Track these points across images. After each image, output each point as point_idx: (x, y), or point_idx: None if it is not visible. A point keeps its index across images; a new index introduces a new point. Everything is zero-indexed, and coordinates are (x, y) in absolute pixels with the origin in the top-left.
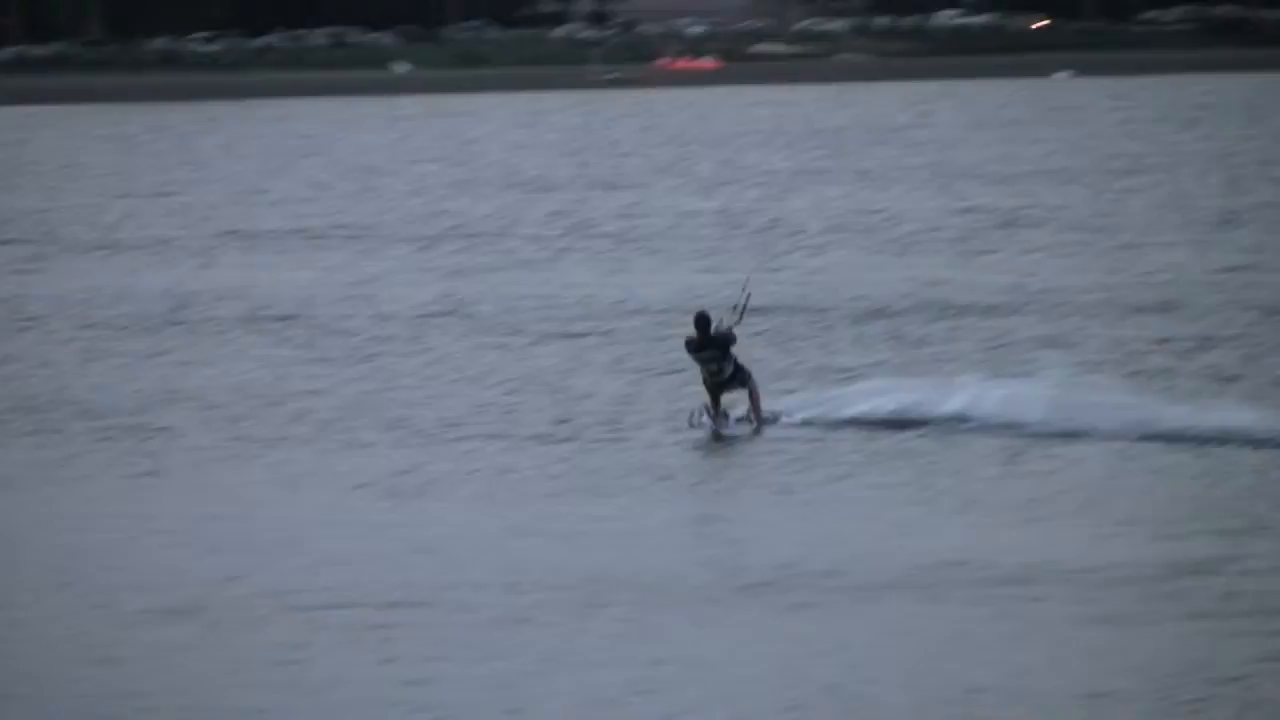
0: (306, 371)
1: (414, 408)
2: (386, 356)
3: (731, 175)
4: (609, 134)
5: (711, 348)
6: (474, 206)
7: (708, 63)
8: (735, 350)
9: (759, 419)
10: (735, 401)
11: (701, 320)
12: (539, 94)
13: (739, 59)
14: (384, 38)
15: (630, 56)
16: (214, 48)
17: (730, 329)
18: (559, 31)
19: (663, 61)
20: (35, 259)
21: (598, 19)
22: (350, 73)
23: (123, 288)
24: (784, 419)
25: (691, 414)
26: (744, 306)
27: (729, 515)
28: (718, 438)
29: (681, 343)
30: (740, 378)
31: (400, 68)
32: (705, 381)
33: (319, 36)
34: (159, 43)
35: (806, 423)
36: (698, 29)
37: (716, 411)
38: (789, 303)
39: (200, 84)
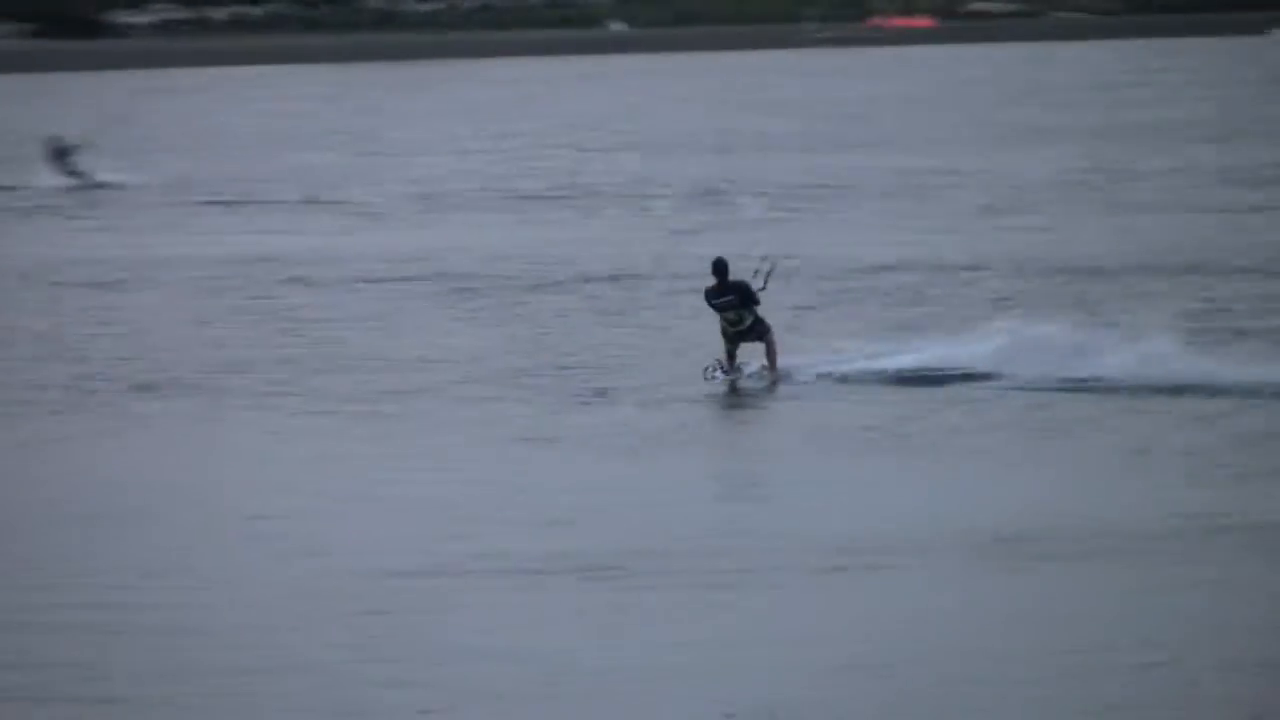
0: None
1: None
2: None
3: (953, 134)
4: (832, 93)
5: (730, 294)
6: (686, 167)
7: (923, 20)
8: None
9: (774, 373)
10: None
11: (720, 266)
12: (753, 52)
13: (954, 16)
14: None
15: (844, 14)
16: (430, 7)
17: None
18: None
19: (877, 19)
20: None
21: None
22: (567, 31)
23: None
24: (798, 375)
25: (706, 368)
26: (768, 274)
27: (942, 473)
28: (734, 389)
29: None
30: (759, 330)
31: (616, 26)
32: (724, 331)
33: None
34: (375, 2)
35: (821, 377)
36: None
37: (732, 365)
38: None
39: (416, 44)
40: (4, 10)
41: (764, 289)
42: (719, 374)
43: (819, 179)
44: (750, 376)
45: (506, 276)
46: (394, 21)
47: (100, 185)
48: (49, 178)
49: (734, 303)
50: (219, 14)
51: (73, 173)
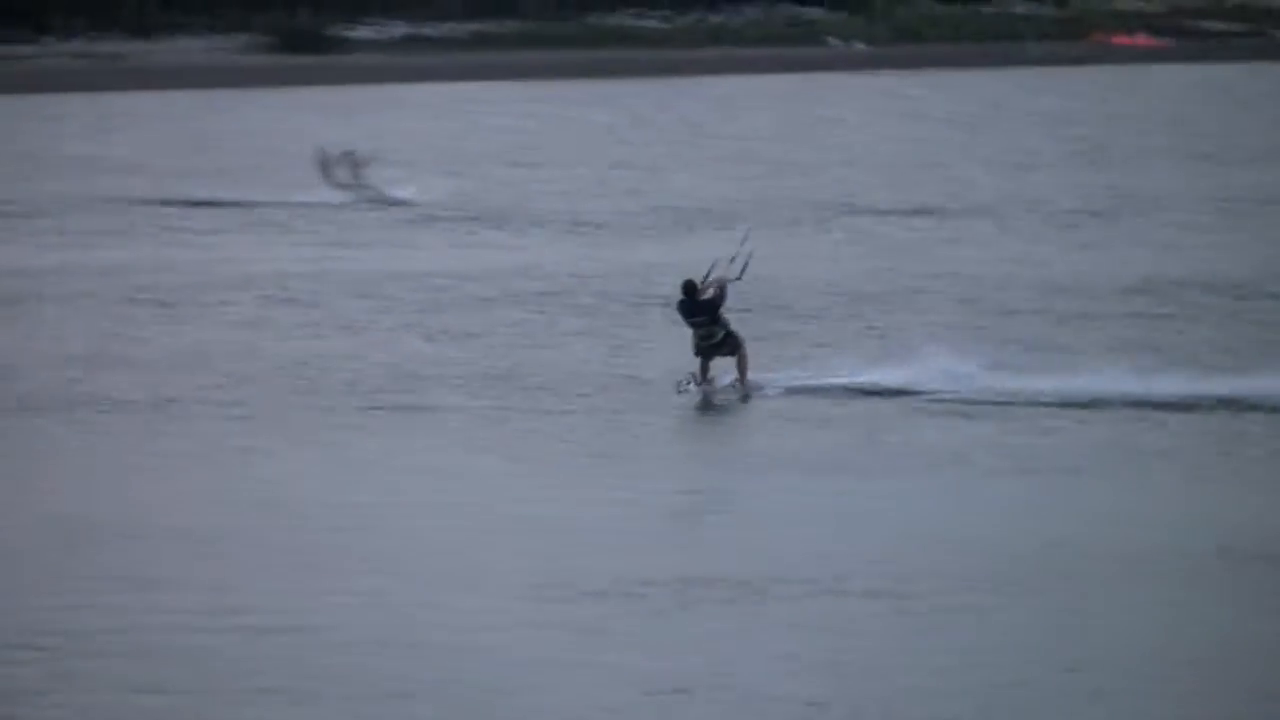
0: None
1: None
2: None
3: (1196, 152)
4: (1056, 109)
5: (700, 314)
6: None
7: (1149, 39)
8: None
9: (744, 386)
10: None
11: (688, 288)
12: (975, 70)
13: (1181, 35)
14: (822, 13)
15: (1067, 33)
16: (665, 25)
17: (724, 282)
18: (994, 7)
19: (1100, 37)
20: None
21: None
22: (789, 48)
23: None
24: (768, 389)
25: (679, 381)
26: (745, 262)
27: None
28: (708, 404)
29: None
30: (731, 344)
31: (838, 43)
32: (695, 345)
33: (760, 11)
34: (613, 19)
35: (791, 391)
36: (1135, 3)
37: (704, 377)
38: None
39: (652, 60)
40: (240, 26)
41: (740, 279)
42: (691, 386)
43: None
44: (723, 389)
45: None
46: (632, 38)
47: (388, 200)
48: (334, 192)
49: (704, 322)
50: (442, 30)
51: (356, 186)
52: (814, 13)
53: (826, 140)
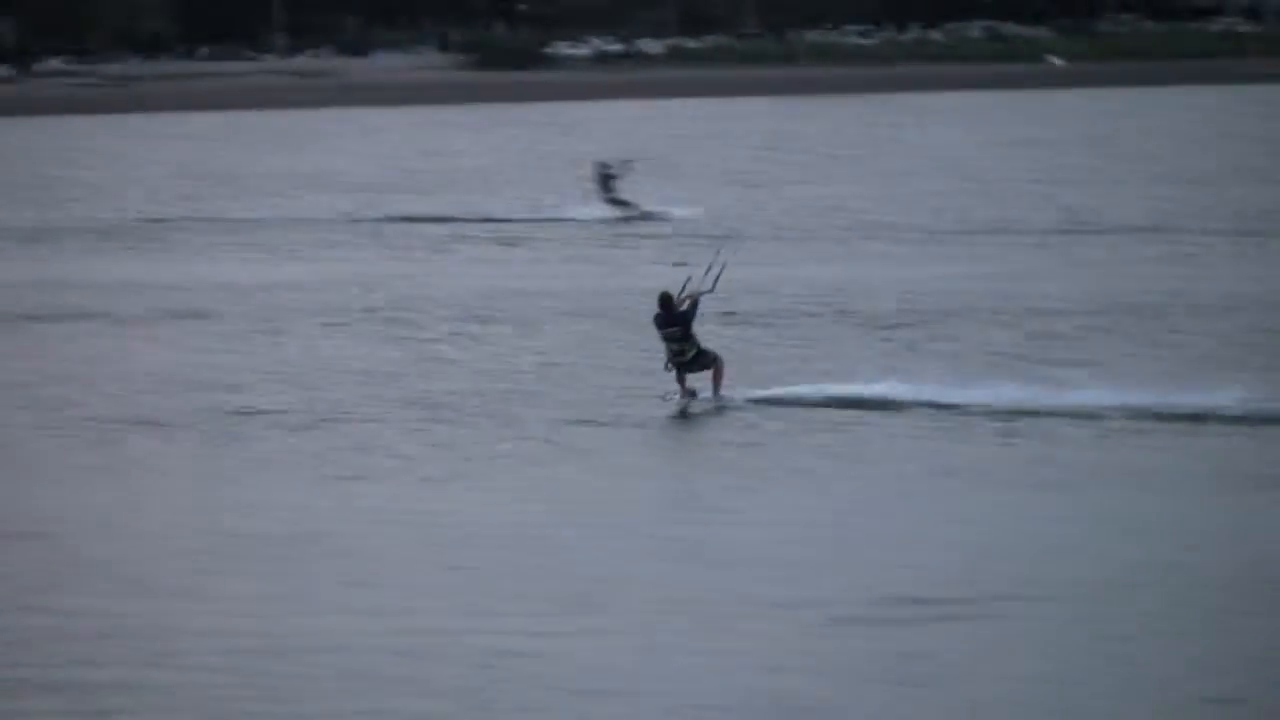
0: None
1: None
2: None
3: None
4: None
5: (672, 325)
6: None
7: None
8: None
9: (716, 396)
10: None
11: (664, 299)
12: (1197, 87)
13: None
14: (1039, 31)
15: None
16: (868, 40)
17: (697, 295)
18: (1215, 24)
19: None
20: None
21: (1252, 13)
22: (1005, 66)
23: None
24: (738, 400)
25: (666, 392)
26: (718, 274)
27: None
28: (684, 415)
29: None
30: (703, 362)
31: (1056, 61)
32: (667, 361)
33: (973, 29)
34: (812, 35)
35: (750, 402)
36: None
37: (683, 390)
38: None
39: (853, 77)
40: (445, 43)
41: (712, 291)
42: (675, 396)
43: None
44: (700, 401)
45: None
46: (831, 54)
47: (647, 215)
48: (606, 207)
49: (677, 334)
50: (654, 47)
51: (618, 201)
52: (1039, 31)
53: (1086, 156)
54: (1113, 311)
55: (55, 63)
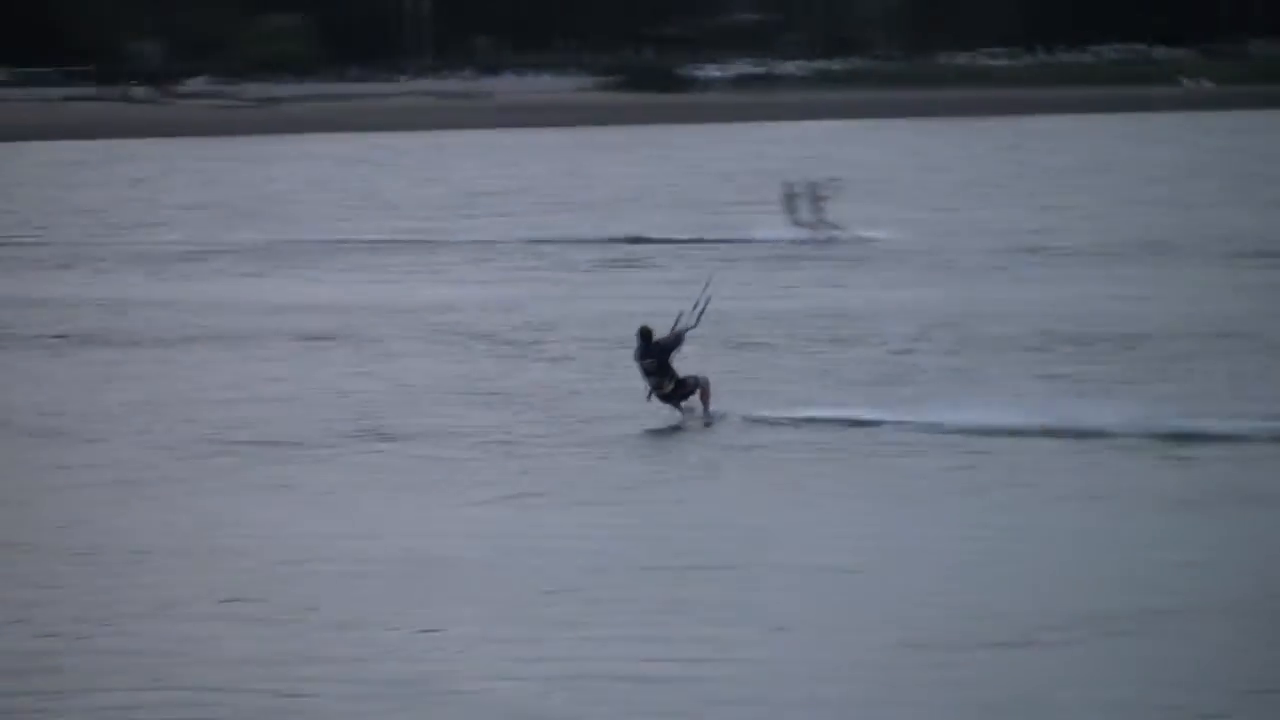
0: None
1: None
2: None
3: None
4: None
5: (650, 355)
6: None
7: None
8: (683, 353)
9: (707, 414)
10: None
11: (644, 333)
12: None
13: None
14: (1176, 52)
15: None
16: (1009, 62)
17: (683, 330)
18: None
19: None
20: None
21: None
22: (1143, 88)
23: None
24: (728, 416)
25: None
26: (703, 308)
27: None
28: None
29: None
30: (684, 391)
31: (1193, 83)
32: (649, 392)
33: (1111, 51)
34: (953, 58)
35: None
36: None
37: (681, 411)
38: None
39: (994, 99)
40: (585, 65)
41: (695, 326)
42: (681, 409)
43: None
44: (698, 418)
45: None
46: (973, 77)
47: (839, 236)
48: (797, 228)
49: (652, 367)
50: (796, 69)
51: (812, 222)
52: (1177, 53)
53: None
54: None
55: (198, 84)
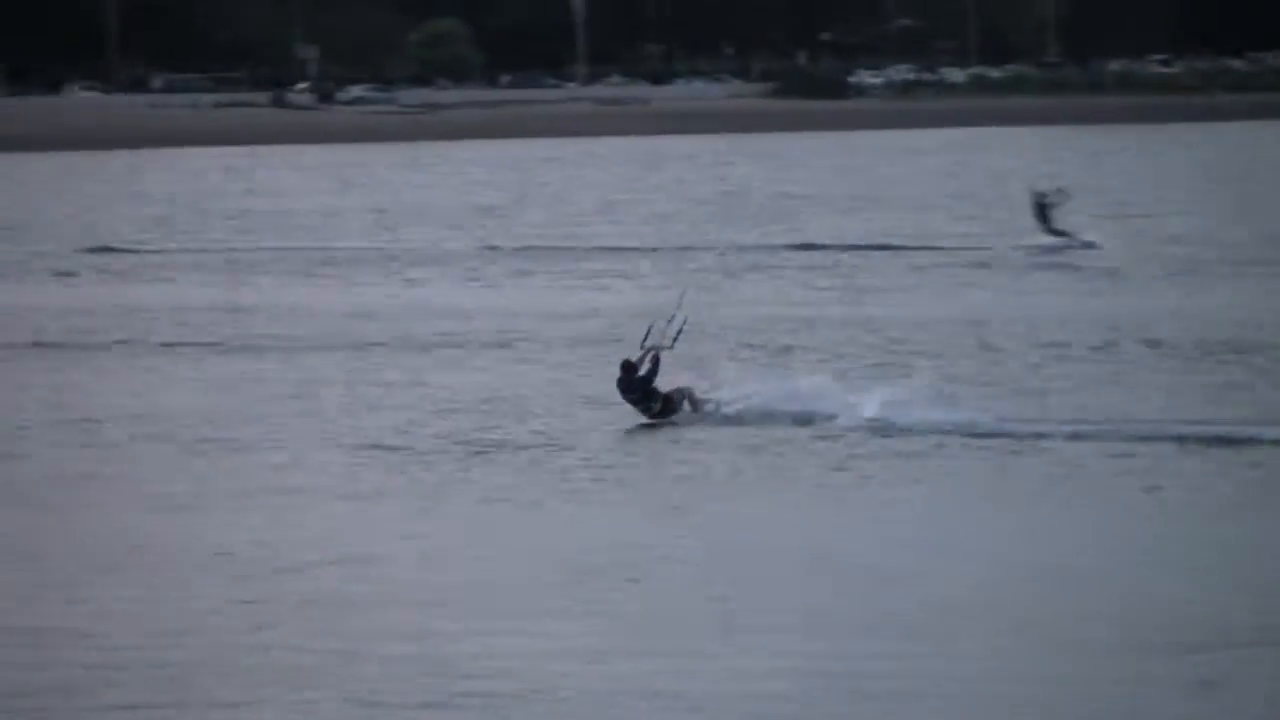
0: None
1: None
2: None
3: None
4: None
5: (632, 391)
6: None
7: None
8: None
9: (700, 410)
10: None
11: (625, 366)
12: None
13: None
14: None
15: None
16: (1170, 69)
17: (657, 352)
18: None
19: None
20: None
21: None
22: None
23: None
24: (723, 408)
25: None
26: (679, 330)
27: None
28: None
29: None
30: (671, 407)
31: None
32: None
33: (1272, 58)
34: (1115, 64)
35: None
36: None
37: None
38: None
39: (1157, 106)
40: (745, 72)
41: (671, 347)
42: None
43: None
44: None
45: None
46: (1135, 83)
47: (1088, 245)
48: (1039, 235)
49: (636, 399)
50: (955, 75)
51: (1057, 231)
52: None
53: None
54: None
55: (357, 91)
